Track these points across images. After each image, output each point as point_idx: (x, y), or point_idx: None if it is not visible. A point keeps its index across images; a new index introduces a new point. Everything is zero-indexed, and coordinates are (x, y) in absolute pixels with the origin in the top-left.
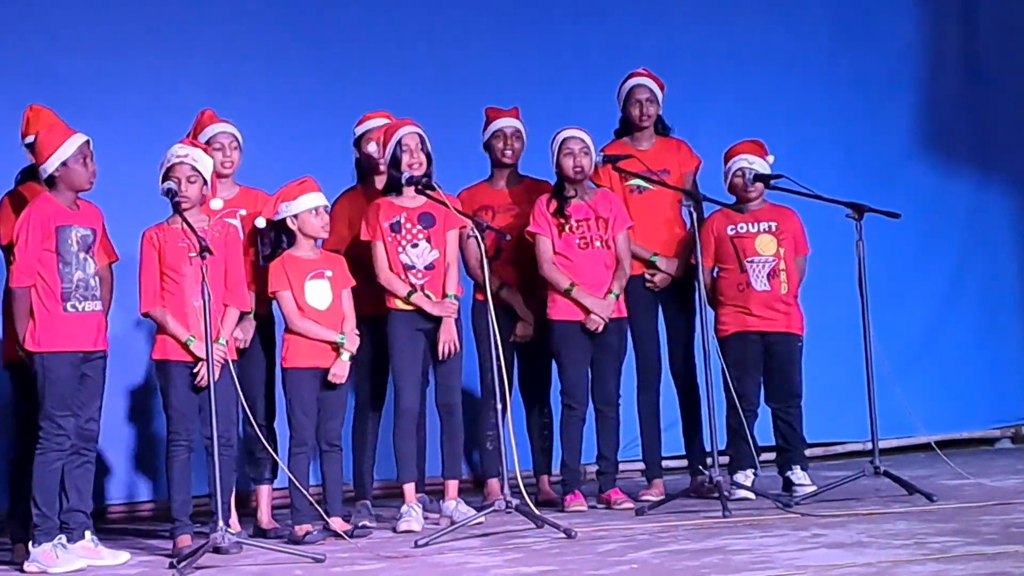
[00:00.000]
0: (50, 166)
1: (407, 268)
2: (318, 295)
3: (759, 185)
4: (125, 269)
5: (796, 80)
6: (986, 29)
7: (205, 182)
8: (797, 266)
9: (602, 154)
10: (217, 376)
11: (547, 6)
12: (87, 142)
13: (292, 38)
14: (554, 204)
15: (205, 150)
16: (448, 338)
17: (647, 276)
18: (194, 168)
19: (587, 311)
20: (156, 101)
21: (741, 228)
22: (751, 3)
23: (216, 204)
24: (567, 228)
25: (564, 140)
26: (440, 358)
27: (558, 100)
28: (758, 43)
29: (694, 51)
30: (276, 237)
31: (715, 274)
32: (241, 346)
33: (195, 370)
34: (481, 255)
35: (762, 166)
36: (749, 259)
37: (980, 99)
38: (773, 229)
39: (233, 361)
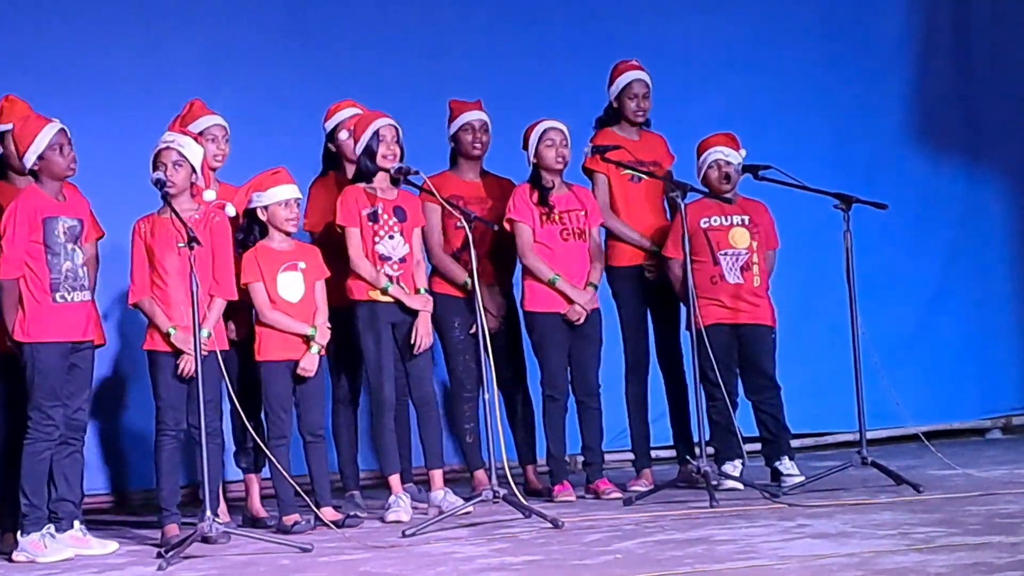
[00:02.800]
0: (28, 161)
1: (383, 259)
2: (290, 287)
3: (734, 178)
4: (117, 260)
5: (786, 71)
6: (977, 20)
7: (193, 169)
8: (767, 260)
9: (590, 145)
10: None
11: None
12: (61, 130)
13: (278, 31)
14: (536, 194)
15: (196, 139)
16: (425, 332)
17: (646, 266)
18: (180, 153)
19: (569, 302)
20: (144, 90)
21: (715, 221)
22: None
23: (209, 195)
24: (551, 218)
25: (545, 131)
26: (415, 351)
27: (543, 94)
28: (747, 35)
29: (682, 43)
30: (248, 226)
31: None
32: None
33: (178, 360)
34: (470, 247)
35: (736, 159)
36: (723, 252)
37: (971, 90)
38: (746, 223)
39: (221, 350)
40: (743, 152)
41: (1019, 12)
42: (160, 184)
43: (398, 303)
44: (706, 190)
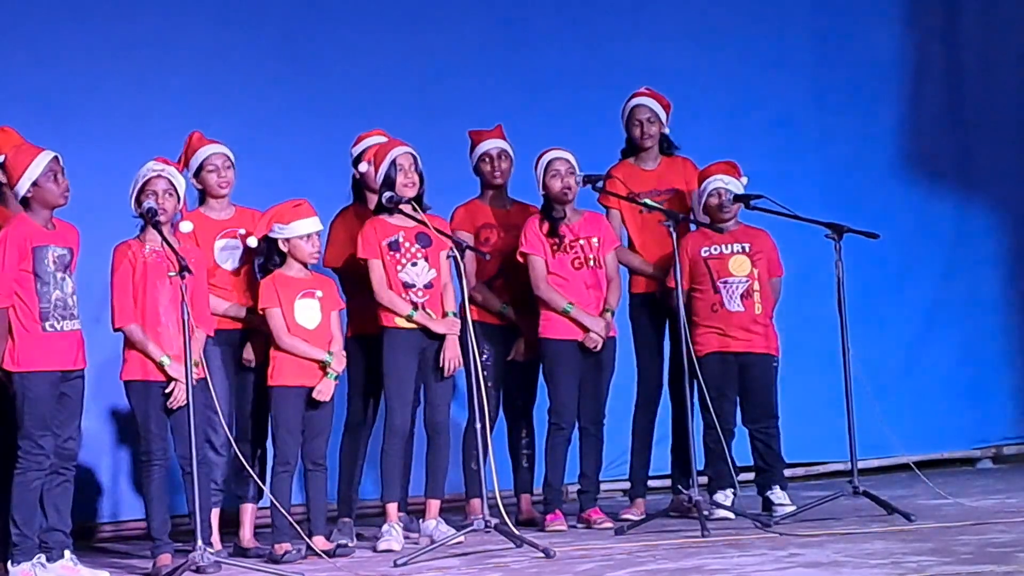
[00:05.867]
0: (22, 188)
1: (407, 287)
2: (307, 314)
3: (734, 206)
4: (106, 287)
5: (777, 100)
6: (968, 49)
7: (179, 199)
8: (772, 287)
9: (580, 175)
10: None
11: (531, 29)
12: (55, 158)
13: (279, 57)
14: (547, 225)
15: (178, 169)
16: (453, 355)
17: (659, 294)
18: (170, 183)
19: (585, 329)
20: (140, 120)
21: (715, 249)
22: (733, 24)
23: (186, 227)
24: (561, 248)
25: (550, 161)
26: (445, 375)
27: (543, 121)
28: (740, 64)
29: (676, 71)
30: (268, 253)
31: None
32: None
33: (167, 390)
34: (460, 274)
35: (737, 187)
36: (723, 280)
37: (962, 119)
38: (747, 250)
39: (201, 379)
40: (744, 180)
41: (1009, 41)
42: (152, 213)
43: (424, 328)
44: (699, 220)
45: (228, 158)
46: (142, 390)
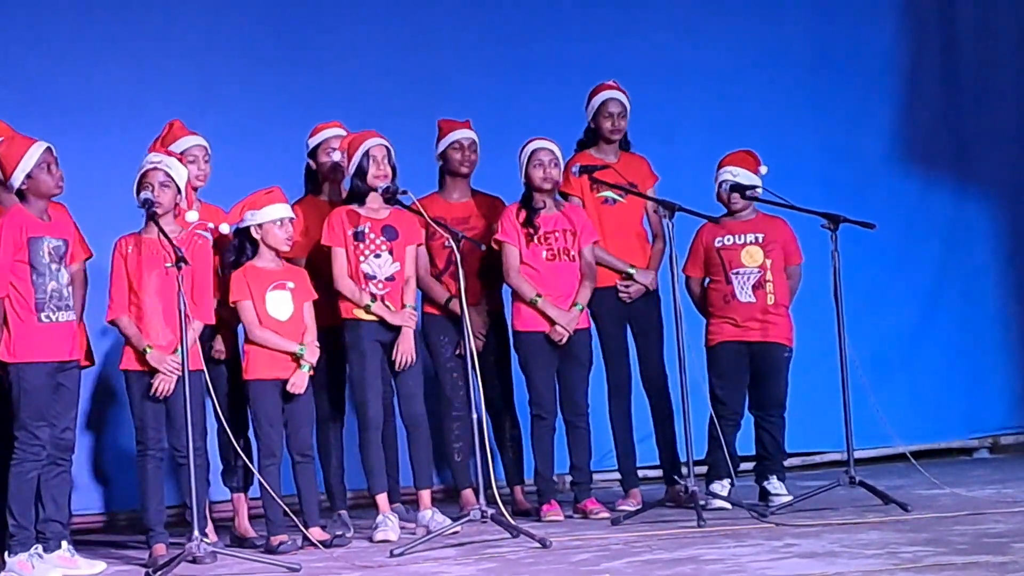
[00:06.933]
0: (16, 180)
1: (368, 278)
2: (279, 306)
3: (727, 197)
4: (101, 279)
5: (775, 91)
6: (965, 40)
7: (179, 190)
8: (790, 275)
9: (578, 165)
10: (172, 388)
11: (525, 22)
12: (48, 149)
13: (266, 52)
14: (523, 214)
15: (180, 160)
16: (406, 349)
17: (620, 287)
18: (167, 174)
19: (552, 322)
20: (130, 111)
21: (727, 240)
22: (730, 15)
23: (192, 216)
24: (535, 239)
25: (534, 151)
26: (396, 369)
27: (532, 113)
28: (737, 54)
29: (673, 62)
30: (240, 245)
31: (706, 284)
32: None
33: (151, 380)
34: (457, 266)
35: (747, 177)
36: (734, 271)
37: (959, 110)
38: (760, 240)
39: (196, 371)
40: (764, 169)
41: (1006, 33)
42: (148, 204)
43: (384, 321)
44: (696, 211)
45: (207, 151)
46: (138, 380)
